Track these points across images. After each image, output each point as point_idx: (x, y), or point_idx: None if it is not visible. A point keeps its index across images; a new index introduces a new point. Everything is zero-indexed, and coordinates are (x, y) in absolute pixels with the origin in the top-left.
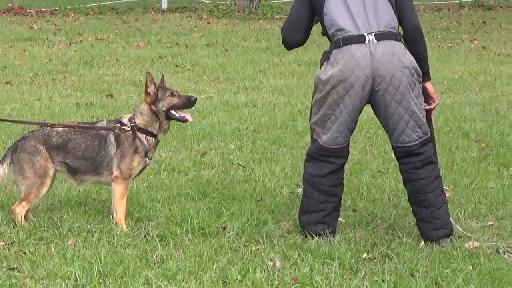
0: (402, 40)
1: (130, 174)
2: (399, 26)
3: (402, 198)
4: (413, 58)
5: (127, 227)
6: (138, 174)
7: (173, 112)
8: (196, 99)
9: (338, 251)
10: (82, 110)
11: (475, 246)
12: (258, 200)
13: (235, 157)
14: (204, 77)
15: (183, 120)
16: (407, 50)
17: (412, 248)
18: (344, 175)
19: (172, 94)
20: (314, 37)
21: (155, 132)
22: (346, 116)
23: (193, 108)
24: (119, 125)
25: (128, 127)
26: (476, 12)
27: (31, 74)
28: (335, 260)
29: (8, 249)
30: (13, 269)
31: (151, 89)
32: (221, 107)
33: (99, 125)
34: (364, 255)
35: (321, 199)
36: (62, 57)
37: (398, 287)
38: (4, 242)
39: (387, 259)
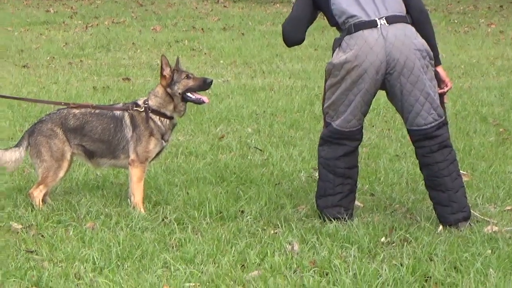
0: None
1: (146, 157)
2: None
3: (420, 182)
4: (424, 41)
5: (145, 210)
6: (155, 157)
7: (189, 94)
8: (211, 81)
9: (356, 235)
10: (99, 94)
11: (493, 230)
12: (276, 184)
13: (253, 141)
14: (221, 61)
15: (199, 102)
16: (418, 33)
17: (431, 232)
18: (358, 158)
19: (187, 77)
20: None
21: (168, 113)
22: (360, 100)
23: (209, 91)
24: (132, 106)
25: (142, 108)
26: None
27: (48, 58)
28: (353, 244)
29: (27, 232)
30: (31, 252)
31: (167, 72)
32: (238, 91)
33: (115, 107)
34: (383, 239)
35: (337, 182)
36: (79, 41)
37: (416, 271)
38: (22, 225)
39: (405, 243)
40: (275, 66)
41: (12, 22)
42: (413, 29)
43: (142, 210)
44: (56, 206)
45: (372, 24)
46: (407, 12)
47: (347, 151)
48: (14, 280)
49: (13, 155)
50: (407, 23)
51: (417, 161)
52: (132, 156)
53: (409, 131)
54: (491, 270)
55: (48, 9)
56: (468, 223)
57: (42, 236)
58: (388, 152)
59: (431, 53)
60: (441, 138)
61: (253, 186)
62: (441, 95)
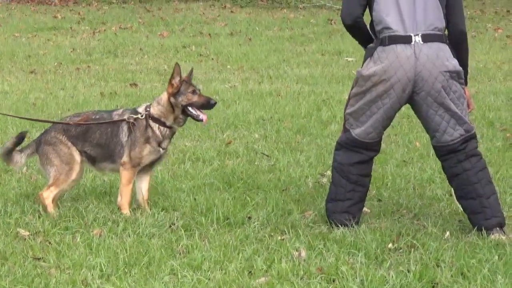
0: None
1: (139, 162)
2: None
3: (427, 188)
4: (456, 61)
5: (130, 213)
6: (154, 164)
7: (190, 108)
8: (215, 103)
9: (363, 241)
10: (106, 100)
11: (501, 237)
12: (283, 190)
13: (260, 147)
14: (228, 66)
15: (197, 119)
16: (451, 53)
17: (438, 238)
18: (372, 167)
19: (193, 92)
20: (338, 26)
21: (168, 123)
22: (382, 114)
23: (217, 96)
24: (132, 115)
25: (142, 116)
26: (500, 1)
27: (55, 64)
28: (360, 250)
29: (34, 239)
30: (38, 259)
31: (176, 81)
32: (245, 96)
33: (115, 113)
34: (390, 245)
35: (348, 188)
36: (86, 46)
37: (424, 277)
38: (29, 232)
39: (412, 249)
40: (282, 72)
41: (20, 28)
42: (446, 49)
43: (128, 211)
44: (63, 213)
45: (406, 40)
46: (447, 27)
47: (363, 159)
48: (21, 287)
49: (15, 158)
50: (442, 42)
51: (425, 165)
52: (125, 158)
53: (435, 147)
54: (498, 276)
55: (56, 15)
56: (503, 230)
57: (49, 243)
58: (395, 158)
59: (462, 73)
60: (468, 149)
61: (260, 192)
62: None
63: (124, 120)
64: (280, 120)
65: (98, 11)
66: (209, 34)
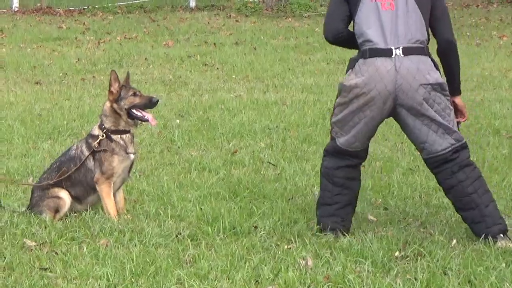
0: (435, 53)
1: (112, 173)
2: (430, 40)
3: (433, 196)
4: (439, 73)
5: (118, 219)
6: (129, 172)
7: (134, 111)
8: (158, 100)
9: (370, 249)
10: None
11: (508, 244)
12: (289, 199)
13: (266, 156)
14: (233, 76)
15: (143, 120)
16: (433, 65)
17: (445, 246)
18: (360, 173)
19: (134, 94)
20: None
21: (127, 128)
22: (364, 125)
23: (221, 105)
24: (93, 141)
25: (102, 135)
26: (505, 8)
27: (60, 74)
28: (367, 259)
29: (40, 249)
30: (45, 269)
31: (115, 87)
32: (250, 106)
33: (72, 150)
34: (397, 253)
35: (335, 192)
36: (91, 57)
37: (431, 285)
38: (36, 242)
39: (419, 257)
40: (288, 81)
41: (25, 38)
42: (428, 61)
43: (114, 216)
44: (69, 223)
45: (387, 53)
46: (434, 37)
47: (349, 164)
48: None
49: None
50: (423, 54)
51: (431, 173)
52: (97, 175)
53: (426, 160)
54: (506, 284)
55: (61, 25)
56: (506, 236)
57: (56, 253)
58: (401, 166)
59: (445, 85)
60: (460, 159)
61: (267, 201)
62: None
63: (92, 151)
64: (286, 129)
65: (103, 21)
66: (214, 44)
